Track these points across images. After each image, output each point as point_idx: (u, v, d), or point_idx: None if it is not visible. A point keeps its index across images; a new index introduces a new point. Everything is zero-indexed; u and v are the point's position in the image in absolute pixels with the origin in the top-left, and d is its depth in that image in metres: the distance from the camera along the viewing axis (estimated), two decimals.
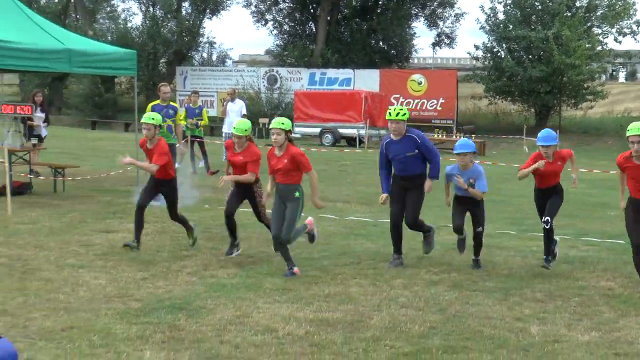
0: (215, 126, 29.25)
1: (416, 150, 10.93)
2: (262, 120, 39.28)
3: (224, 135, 23.53)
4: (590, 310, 9.16)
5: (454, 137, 37.82)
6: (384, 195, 11.27)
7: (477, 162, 11.19)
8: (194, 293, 9.57)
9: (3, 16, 16.81)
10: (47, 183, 18.38)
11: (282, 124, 10.39)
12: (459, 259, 11.65)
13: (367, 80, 42.49)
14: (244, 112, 23.36)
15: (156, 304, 8.87)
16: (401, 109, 11.06)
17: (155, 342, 7.60)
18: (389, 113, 10.97)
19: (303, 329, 8.19)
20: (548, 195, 10.97)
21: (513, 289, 9.78)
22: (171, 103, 17.73)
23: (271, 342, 7.69)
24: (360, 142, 35.88)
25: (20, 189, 16.83)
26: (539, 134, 10.91)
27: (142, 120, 11.79)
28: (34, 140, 19.38)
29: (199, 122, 21.38)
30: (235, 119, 22.62)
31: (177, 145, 17.10)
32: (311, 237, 11.25)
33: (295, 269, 10.32)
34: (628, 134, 9.28)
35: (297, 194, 10.42)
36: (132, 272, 10.31)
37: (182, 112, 17.35)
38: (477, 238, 11.05)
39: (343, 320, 8.52)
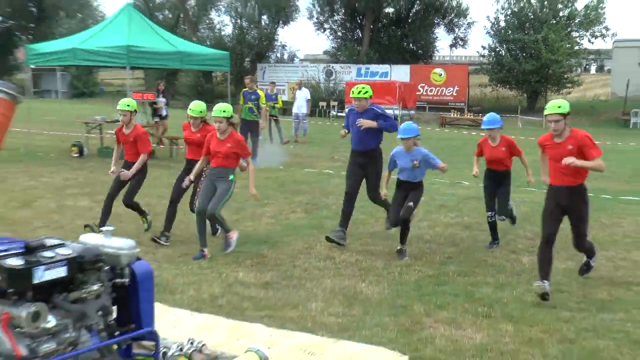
0: (286, 108, 29.29)
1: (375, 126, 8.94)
2: (321, 103, 39.48)
3: (293, 114, 23.52)
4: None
5: (465, 115, 37.99)
6: (343, 131, 9.50)
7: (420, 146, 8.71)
8: (273, 231, 9.74)
9: (135, 29, 17.08)
10: (165, 150, 18.67)
11: (224, 111, 8.26)
12: (470, 206, 11.64)
13: (400, 73, 42.39)
14: (308, 97, 23.30)
15: (245, 238, 9.02)
16: (363, 87, 8.94)
17: (246, 266, 7.82)
18: (352, 92, 9.00)
19: (354, 257, 8.34)
20: (497, 182, 8.97)
21: (509, 229, 9.77)
22: (256, 90, 17.59)
23: (330, 266, 7.88)
24: (395, 119, 35.91)
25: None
26: (484, 118, 9.14)
27: (118, 108, 9.29)
28: (156, 119, 19.65)
29: (275, 104, 21.50)
30: (302, 103, 22.82)
31: (260, 121, 17.10)
32: (227, 244, 8.53)
33: (205, 252, 8.21)
34: (545, 112, 6.91)
35: (231, 177, 8.39)
36: (227, 214, 10.49)
37: (263, 97, 17.28)
38: (406, 214, 8.30)
39: (383, 251, 8.66)
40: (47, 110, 32.65)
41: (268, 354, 4.88)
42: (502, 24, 44.05)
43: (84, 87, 54.17)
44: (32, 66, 19.37)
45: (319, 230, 9.57)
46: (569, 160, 6.52)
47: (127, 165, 9.23)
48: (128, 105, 9.22)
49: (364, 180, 9.14)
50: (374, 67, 44.76)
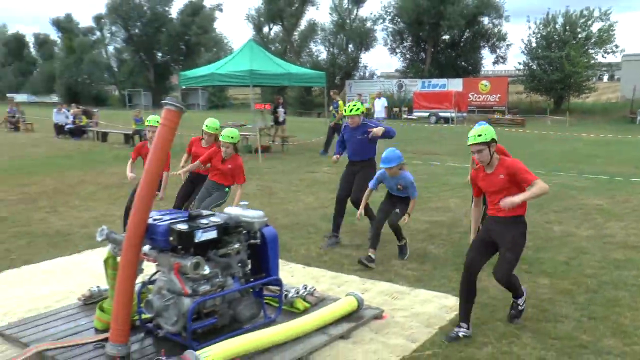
0: (368, 114, 29.14)
1: (365, 135, 7.10)
2: (395, 109, 39.22)
3: (375, 119, 23.25)
4: (589, 217, 8.81)
5: (505, 116, 37.20)
6: (335, 157, 7.73)
7: (407, 171, 6.61)
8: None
9: (256, 57, 17.34)
10: (278, 146, 18.91)
11: (231, 137, 6.84)
12: None
13: (455, 85, 41.82)
14: (385, 104, 23.13)
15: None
16: (354, 105, 7.23)
17: (342, 232, 7.55)
18: (345, 110, 7.31)
19: (423, 226, 8.25)
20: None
21: (544, 203, 9.47)
22: (336, 100, 17.84)
23: (406, 233, 7.75)
24: (452, 120, 35.33)
25: (264, 149, 17.19)
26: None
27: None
28: (272, 124, 19.90)
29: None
30: (381, 109, 22.62)
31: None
32: None
33: None
34: (467, 143, 4.57)
35: (226, 189, 7.06)
36: (325, 193, 10.56)
37: (342, 105, 17.49)
38: (394, 220, 6.52)
39: (446, 222, 8.53)
40: (191, 119, 33.49)
41: (363, 297, 4.93)
42: (534, 44, 42.99)
43: (217, 101, 55.46)
44: (183, 87, 19.95)
45: None
46: (507, 204, 4.37)
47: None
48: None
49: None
50: (434, 81, 44.36)
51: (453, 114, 35.46)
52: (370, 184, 6.69)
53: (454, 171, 13.58)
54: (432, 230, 8.03)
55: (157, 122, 6.88)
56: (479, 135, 4.53)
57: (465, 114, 37.12)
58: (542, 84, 41.64)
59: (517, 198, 4.38)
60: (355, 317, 4.74)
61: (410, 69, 50.11)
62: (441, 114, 36.60)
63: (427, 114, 37.35)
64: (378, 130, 7.01)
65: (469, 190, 10.74)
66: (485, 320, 4.83)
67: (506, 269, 4.56)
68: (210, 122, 7.53)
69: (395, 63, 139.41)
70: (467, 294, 4.63)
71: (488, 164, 4.61)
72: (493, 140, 4.52)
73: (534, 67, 42.65)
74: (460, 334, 4.51)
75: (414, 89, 43.20)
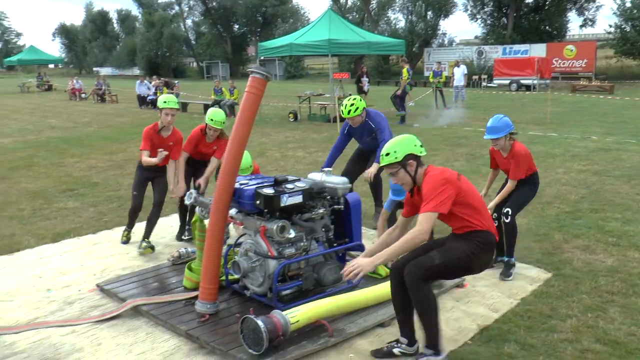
0: (447, 82, 28.44)
1: (373, 134, 6.18)
2: (474, 77, 38.09)
3: (454, 87, 22.85)
4: None
5: (593, 82, 35.45)
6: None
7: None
8: None
9: (334, 27, 17.34)
10: None
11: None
12: (598, 157, 10.83)
13: (538, 51, 39.97)
14: (465, 72, 22.56)
15: None
16: (352, 105, 6.03)
17: None
18: (342, 112, 6.15)
19: None
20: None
21: (635, 175, 9.06)
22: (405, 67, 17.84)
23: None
24: (534, 88, 34.09)
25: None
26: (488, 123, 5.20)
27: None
28: (347, 94, 19.87)
29: (439, 79, 21.13)
30: (460, 77, 22.11)
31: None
32: None
33: None
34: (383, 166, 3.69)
35: None
36: None
37: (405, 72, 17.62)
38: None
39: None
40: (270, 89, 33.92)
41: None
42: (628, 4, 40.26)
43: (294, 71, 55.84)
44: (261, 57, 20.20)
45: (476, 174, 9.31)
46: (353, 270, 3.41)
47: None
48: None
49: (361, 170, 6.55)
50: (516, 47, 42.61)
51: (535, 81, 34.12)
52: (385, 206, 5.43)
53: (536, 140, 13.12)
54: None
55: (177, 103, 5.76)
56: (387, 155, 3.54)
57: (548, 81, 35.63)
58: (635, 48, 39.06)
59: (369, 263, 3.34)
60: (436, 285, 4.75)
61: (491, 35, 48.46)
62: (522, 81, 35.30)
63: (507, 82, 36.15)
64: (373, 171, 6.00)
65: (552, 159, 10.47)
66: (570, 292, 4.73)
67: (419, 266, 3.39)
68: (217, 116, 5.87)
69: (475, 29, 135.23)
70: (401, 303, 3.61)
71: (404, 185, 3.59)
72: (410, 156, 3.52)
73: (627, 29, 40.10)
74: (395, 351, 3.65)
75: (494, 55, 41.77)
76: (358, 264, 3.36)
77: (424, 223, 3.30)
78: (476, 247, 3.42)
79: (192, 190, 4.56)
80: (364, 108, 6.07)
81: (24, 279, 5.27)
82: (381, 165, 3.60)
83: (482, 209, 3.52)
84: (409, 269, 3.38)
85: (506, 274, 5.06)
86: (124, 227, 6.28)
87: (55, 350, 3.93)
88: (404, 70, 17.36)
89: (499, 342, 3.92)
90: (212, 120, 5.83)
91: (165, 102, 5.69)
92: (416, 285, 3.37)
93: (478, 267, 3.54)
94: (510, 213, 5.09)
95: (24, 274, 5.41)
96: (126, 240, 6.16)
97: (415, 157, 3.53)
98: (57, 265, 5.60)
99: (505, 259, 5.20)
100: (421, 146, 3.58)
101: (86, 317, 4.41)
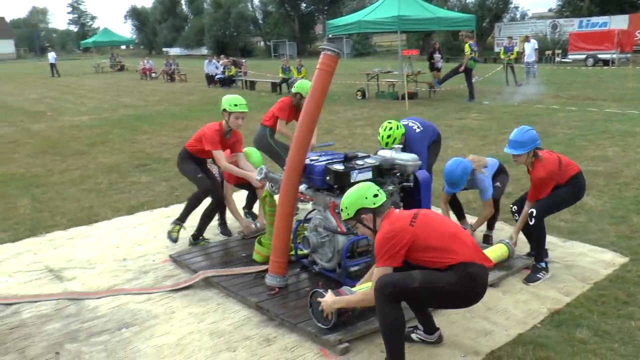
0: (518, 58, 27.56)
1: None
2: (547, 52, 36.57)
3: (525, 63, 22.10)
4: None
5: None
6: None
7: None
8: None
9: (403, 3, 17.12)
10: (424, 92, 18.51)
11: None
12: None
13: (619, 22, 37.70)
14: (536, 47, 21.76)
15: None
16: (389, 137, 5.23)
17: None
18: (381, 141, 5.29)
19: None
20: None
21: None
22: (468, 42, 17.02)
23: None
24: (612, 62, 32.44)
25: (411, 96, 16.79)
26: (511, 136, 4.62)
27: (237, 109, 5.17)
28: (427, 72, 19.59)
29: (510, 55, 20.43)
30: (531, 52, 21.34)
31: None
32: None
33: None
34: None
35: None
36: (475, 140, 10.27)
37: (467, 47, 16.83)
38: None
39: (603, 172, 7.97)
40: (338, 67, 33.82)
41: (513, 248, 4.83)
42: None
43: (362, 49, 55.42)
44: (330, 35, 20.17)
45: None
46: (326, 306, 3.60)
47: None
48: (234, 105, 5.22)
49: None
50: (594, 19, 40.40)
51: (615, 55, 32.38)
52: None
53: (614, 117, 12.56)
54: (588, 180, 7.51)
55: (246, 106, 5.25)
56: (342, 210, 3.45)
57: (629, 55, 33.65)
58: None
59: (329, 305, 3.53)
60: (505, 266, 4.69)
61: (567, 8, 46.30)
62: (600, 56, 33.59)
63: (583, 56, 34.49)
64: None
65: (631, 138, 10.01)
66: None
67: (396, 284, 3.15)
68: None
69: (549, 2, 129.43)
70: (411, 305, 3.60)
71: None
72: (362, 210, 3.35)
73: None
74: (414, 337, 3.67)
75: (569, 29, 39.85)
76: (325, 302, 3.56)
77: (380, 282, 3.17)
78: (461, 278, 3.12)
79: (263, 166, 4.65)
80: (403, 134, 5.37)
81: (103, 248, 5.59)
82: (344, 212, 3.45)
83: (447, 245, 3.17)
84: (384, 282, 3.15)
85: (531, 279, 4.53)
86: None
87: (133, 315, 4.16)
88: (466, 46, 16.86)
89: (570, 326, 3.84)
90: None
91: (236, 104, 5.16)
92: (386, 303, 3.14)
93: (459, 301, 3.26)
94: (535, 215, 4.49)
95: (103, 243, 5.72)
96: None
97: (370, 210, 3.35)
98: (132, 236, 5.89)
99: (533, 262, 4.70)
100: (375, 195, 3.35)
101: (160, 286, 4.62)
